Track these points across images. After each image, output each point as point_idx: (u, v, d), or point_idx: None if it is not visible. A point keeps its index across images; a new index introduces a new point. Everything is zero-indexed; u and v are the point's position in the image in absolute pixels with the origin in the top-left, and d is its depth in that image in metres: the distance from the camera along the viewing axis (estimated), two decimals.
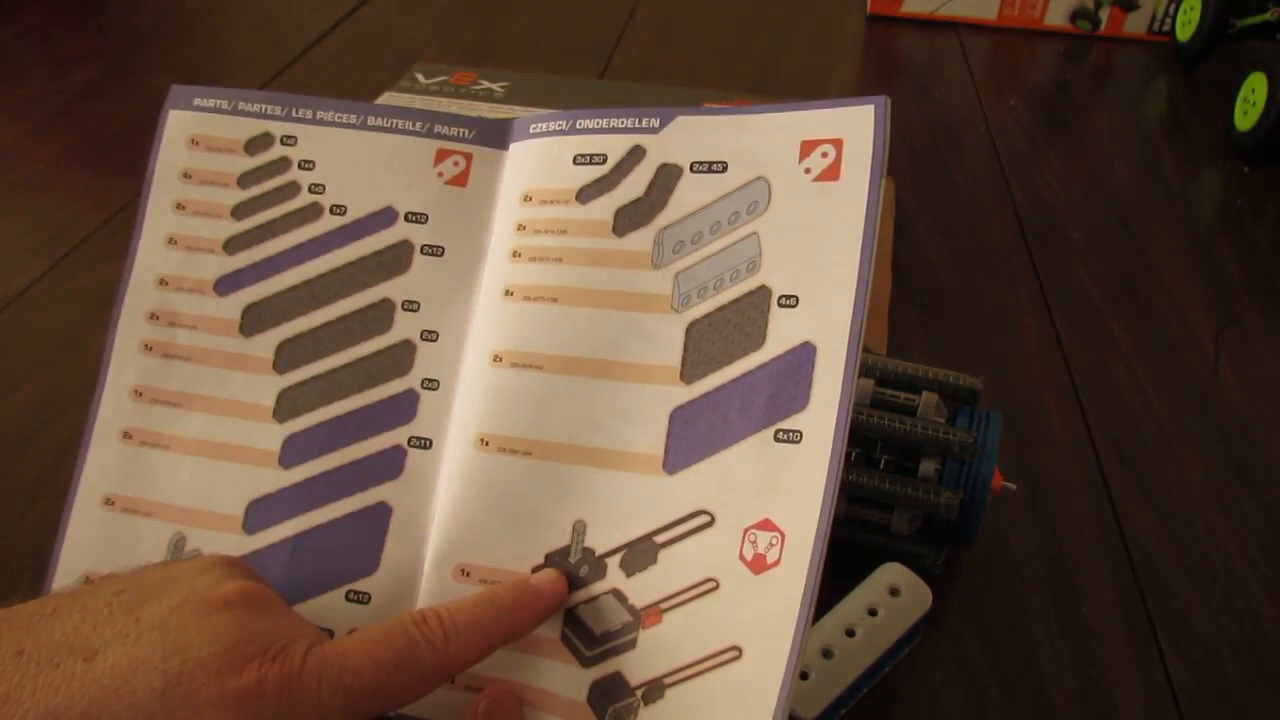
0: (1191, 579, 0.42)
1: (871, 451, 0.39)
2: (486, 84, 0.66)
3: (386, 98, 0.64)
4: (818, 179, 0.32)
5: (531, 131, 0.37)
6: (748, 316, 0.32)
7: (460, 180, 0.37)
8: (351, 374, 0.35)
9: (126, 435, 0.36)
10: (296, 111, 0.38)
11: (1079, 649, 0.39)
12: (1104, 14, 0.92)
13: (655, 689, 0.29)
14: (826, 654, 0.34)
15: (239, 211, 0.37)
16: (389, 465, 0.35)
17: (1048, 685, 0.38)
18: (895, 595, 0.36)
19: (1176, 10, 0.89)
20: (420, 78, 0.67)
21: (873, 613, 0.35)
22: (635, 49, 0.87)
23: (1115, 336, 0.56)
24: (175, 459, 0.35)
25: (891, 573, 0.36)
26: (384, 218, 0.37)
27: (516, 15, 0.93)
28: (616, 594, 0.31)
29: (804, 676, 0.33)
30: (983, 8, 0.93)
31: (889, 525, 0.39)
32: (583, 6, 0.95)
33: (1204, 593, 0.42)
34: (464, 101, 0.64)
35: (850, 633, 0.35)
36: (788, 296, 0.31)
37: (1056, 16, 0.93)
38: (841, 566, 0.39)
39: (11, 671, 0.23)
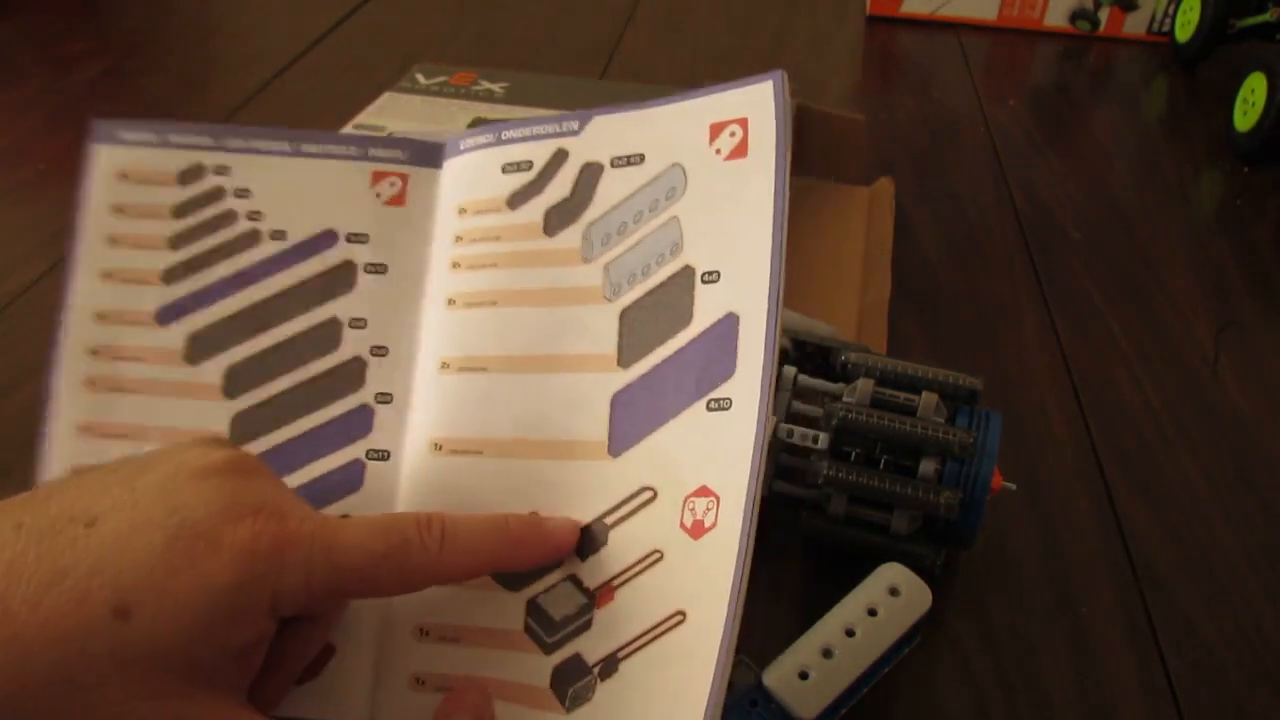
0: (1191, 579, 0.42)
1: (871, 451, 0.39)
2: (486, 84, 0.66)
3: (386, 98, 0.64)
4: (728, 158, 0.33)
5: (462, 148, 0.38)
6: (675, 296, 0.33)
7: (398, 200, 0.38)
8: (304, 394, 0.36)
9: (77, 473, 0.35)
10: (227, 142, 0.38)
11: (1079, 649, 0.39)
12: (1103, 14, 0.92)
13: (610, 664, 0.30)
14: (826, 654, 0.34)
15: (176, 242, 0.37)
16: (349, 479, 0.35)
17: (1048, 685, 0.38)
18: (895, 595, 0.36)
19: (1176, 11, 0.89)
20: (420, 78, 0.67)
21: (873, 613, 0.35)
22: (635, 49, 0.87)
23: (1115, 336, 0.56)
24: None
25: (891, 573, 0.36)
26: (325, 240, 0.37)
27: (516, 15, 0.93)
28: (573, 579, 0.32)
29: (804, 676, 0.33)
30: (982, 8, 0.93)
31: (889, 525, 0.39)
32: (583, 6, 0.95)
33: (1204, 593, 0.42)
34: (464, 102, 0.64)
35: (850, 633, 0.35)
36: (710, 272, 0.32)
37: (1056, 17, 0.93)
38: (841, 566, 0.39)
39: (13, 541, 0.24)
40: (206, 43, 0.89)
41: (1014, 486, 0.40)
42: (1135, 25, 0.92)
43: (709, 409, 0.31)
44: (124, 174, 0.37)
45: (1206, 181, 0.72)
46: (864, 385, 0.39)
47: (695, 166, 0.34)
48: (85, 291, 0.36)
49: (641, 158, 0.35)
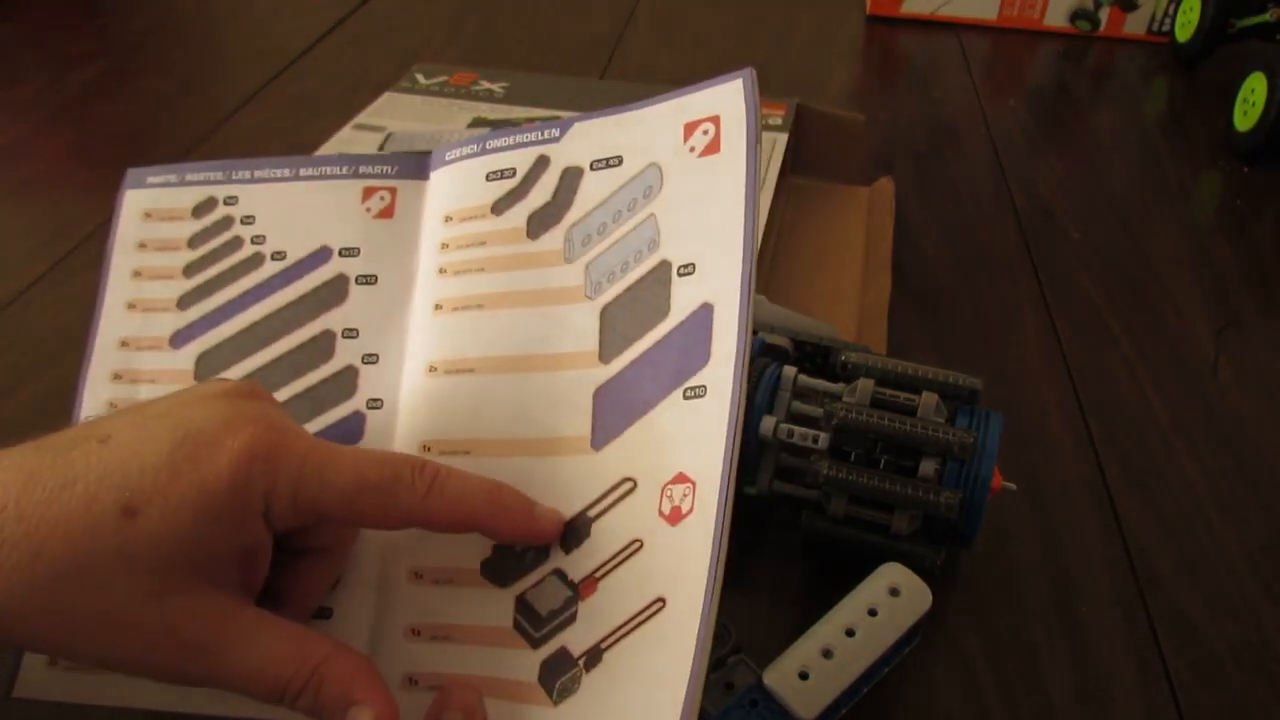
0: (1191, 579, 0.42)
1: (871, 451, 0.39)
2: (486, 84, 0.66)
3: (386, 98, 0.64)
4: (701, 155, 0.34)
5: (448, 159, 0.40)
6: (653, 291, 0.34)
7: (387, 212, 0.39)
8: (301, 404, 0.37)
9: None
10: (236, 174, 0.40)
11: (1079, 649, 0.39)
12: (1103, 14, 0.92)
13: (595, 655, 0.30)
14: (826, 654, 0.34)
15: (189, 270, 0.39)
16: None
17: (1048, 685, 0.38)
18: (895, 595, 0.36)
19: (1176, 10, 0.89)
20: (420, 78, 0.67)
21: (873, 613, 0.35)
22: (635, 49, 0.87)
23: (1115, 336, 0.56)
24: None
25: (891, 573, 0.36)
26: (320, 256, 0.39)
27: (516, 15, 0.93)
28: (558, 573, 0.32)
29: (804, 676, 0.33)
30: (982, 8, 0.93)
31: (889, 525, 0.39)
32: (583, 6, 0.95)
33: (1204, 593, 0.42)
34: (464, 102, 0.64)
35: (850, 633, 0.35)
36: (685, 265, 0.33)
37: (1056, 17, 0.93)
38: (841, 566, 0.39)
39: (33, 457, 0.26)
40: (206, 43, 0.89)
41: (1014, 486, 0.40)
42: (1135, 25, 0.92)
43: (685, 397, 0.31)
44: (147, 213, 0.40)
45: (1206, 181, 0.72)
46: (864, 385, 0.39)
47: (671, 165, 0.35)
48: (111, 322, 0.39)
49: (620, 160, 0.36)
